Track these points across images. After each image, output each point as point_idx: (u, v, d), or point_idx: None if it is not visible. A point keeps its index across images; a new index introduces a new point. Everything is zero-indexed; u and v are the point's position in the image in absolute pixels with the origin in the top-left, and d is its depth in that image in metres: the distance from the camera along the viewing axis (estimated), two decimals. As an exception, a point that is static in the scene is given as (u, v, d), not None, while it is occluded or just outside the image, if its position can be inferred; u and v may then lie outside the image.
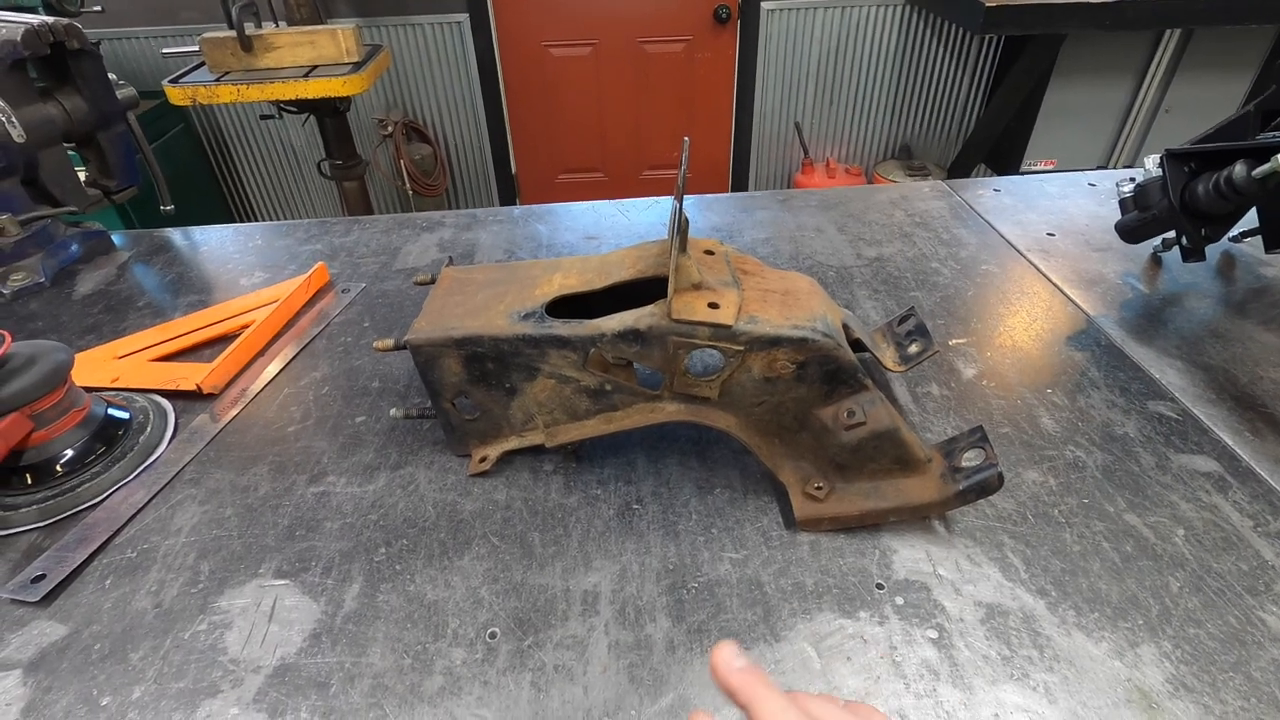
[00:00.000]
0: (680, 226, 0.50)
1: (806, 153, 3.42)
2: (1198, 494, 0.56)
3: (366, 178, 2.69)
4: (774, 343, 0.50)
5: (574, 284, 0.57)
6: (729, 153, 3.54)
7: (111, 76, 0.99)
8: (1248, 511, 0.54)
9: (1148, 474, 0.58)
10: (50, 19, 0.88)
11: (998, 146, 3.20)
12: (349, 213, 2.66)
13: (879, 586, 0.50)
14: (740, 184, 3.58)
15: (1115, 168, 3.15)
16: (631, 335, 0.51)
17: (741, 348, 0.50)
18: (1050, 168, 3.15)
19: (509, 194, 3.53)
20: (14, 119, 0.86)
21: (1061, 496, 0.56)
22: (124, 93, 1.00)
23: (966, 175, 3.15)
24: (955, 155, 3.29)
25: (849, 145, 3.49)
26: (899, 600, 0.49)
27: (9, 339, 0.56)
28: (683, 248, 0.52)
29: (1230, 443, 0.61)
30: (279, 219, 3.45)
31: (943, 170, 3.40)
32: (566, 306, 0.56)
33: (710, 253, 0.58)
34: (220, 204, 3.34)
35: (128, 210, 2.33)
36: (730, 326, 0.50)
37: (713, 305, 0.51)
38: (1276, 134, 0.69)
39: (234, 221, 3.35)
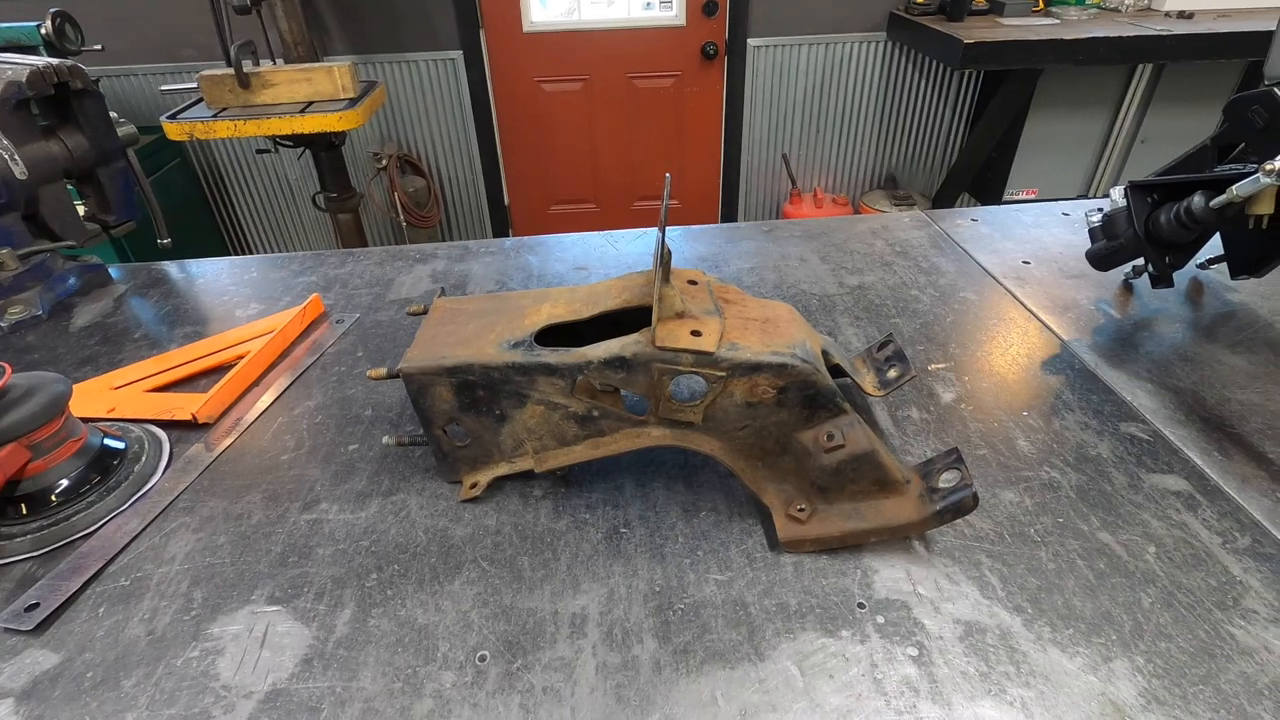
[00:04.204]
0: (663, 258, 0.52)
1: (794, 183, 3.49)
2: (1168, 512, 0.58)
3: (361, 210, 2.72)
4: (754, 368, 0.52)
5: (562, 313, 0.59)
6: (719, 183, 3.61)
7: (112, 114, 1.02)
8: (1216, 529, 0.56)
9: (1120, 493, 0.60)
10: (55, 60, 0.91)
11: (981, 176, 3.28)
12: (343, 244, 2.69)
13: (860, 606, 0.51)
14: (730, 214, 3.64)
15: (1095, 195, 3.23)
16: (617, 362, 0.53)
17: (723, 373, 0.52)
18: (1032, 196, 3.23)
19: (502, 225, 3.57)
20: (17, 156, 0.88)
21: (1037, 516, 0.58)
22: (124, 130, 1.03)
23: (951, 204, 3.22)
24: (939, 184, 3.36)
25: (835, 175, 3.56)
26: (880, 619, 0.50)
27: (9, 370, 0.58)
28: (666, 278, 0.54)
29: (1199, 462, 0.63)
30: (274, 251, 3.48)
31: (927, 199, 3.48)
32: (555, 335, 0.58)
33: (693, 283, 0.60)
34: (215, 237, 3.37)
35: (123, 244, 2.35)
36: (712, 353, 0.52)
37: (695, 333, 0.53)
38: (1232, 166, 0.73)
39: (229, 254, 3.38)
